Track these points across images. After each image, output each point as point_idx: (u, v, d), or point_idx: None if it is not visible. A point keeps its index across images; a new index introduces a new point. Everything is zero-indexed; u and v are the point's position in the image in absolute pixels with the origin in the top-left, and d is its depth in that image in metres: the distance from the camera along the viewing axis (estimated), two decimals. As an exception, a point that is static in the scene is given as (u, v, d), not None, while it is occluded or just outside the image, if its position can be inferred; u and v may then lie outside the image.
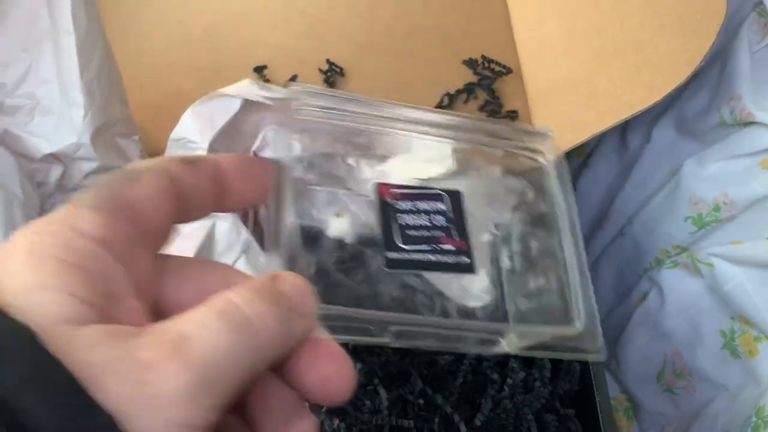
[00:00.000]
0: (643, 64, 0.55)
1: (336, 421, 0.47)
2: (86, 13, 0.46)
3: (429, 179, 0.46)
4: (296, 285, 0.20)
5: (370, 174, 0.48)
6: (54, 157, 0.49)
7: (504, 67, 0.66)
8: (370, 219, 0.49)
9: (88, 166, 0.50)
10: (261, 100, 0.49)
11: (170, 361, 0.16)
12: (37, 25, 0.46)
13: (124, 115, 0.52)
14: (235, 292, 0.18)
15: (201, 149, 0.47)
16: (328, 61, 0.65)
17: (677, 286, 0.64)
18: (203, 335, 0.17)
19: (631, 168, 0.71)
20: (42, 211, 0.50)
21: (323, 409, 0.48)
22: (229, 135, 0.49)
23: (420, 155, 0.49)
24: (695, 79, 0.60)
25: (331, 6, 0.69)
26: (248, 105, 0.49)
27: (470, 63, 0.66)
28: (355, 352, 0.50)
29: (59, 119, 0.48)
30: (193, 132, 0.47)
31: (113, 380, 0.16)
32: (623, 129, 0.72)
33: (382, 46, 0.68)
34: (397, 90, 0.64)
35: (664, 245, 0.66)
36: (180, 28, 0.68)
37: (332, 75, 0.64)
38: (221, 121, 0.48)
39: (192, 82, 0.63)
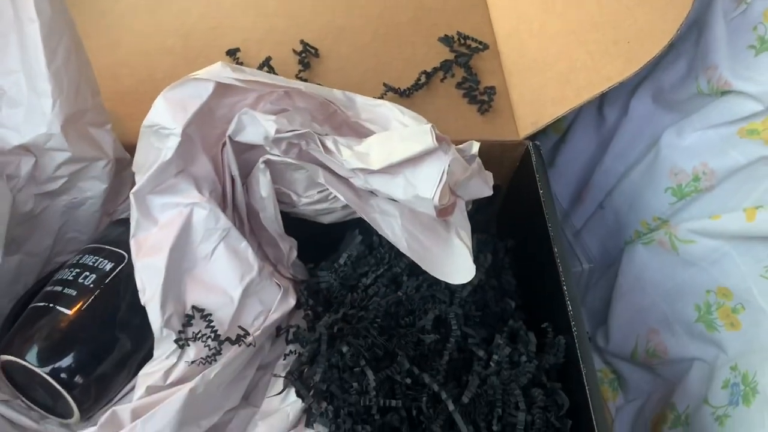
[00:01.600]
0: (620, 37, 0.54)
1: (324, 404, 0.47)
2: (50, 1, 0.44)
3: (409, 157, 0.45)
4: None
5: (348, 155, 0.48)
6: (24, 149, 0.48)
7: (480, 43, 0.65)
8: (349, 199, 0.49)
9: (60, 157, 0.49)
10: (233, 82, 0.48)
11: None
12: (1, 15, 0.45)
13: (96, 104, 0.51)
14: None
15: (174, 135, 0.46)
16: (302, 42, 0.64)
17: (652, 263, 0.65)
18: None
19: (609, 141, 0.71)
20: (14, 203, 0.49)
21: (311, 393, 0.48)
22: (204, 119, 0.48)
23: (397, 133, 0.49)
24: (672, 49, 0.60)
25: (303, -14, 0.68)
26: (222, 88, 0.48)
27: (446, 40, 0.65)
28: (341, 335, 0.50)
29: (28, 110, 0.47)
30: (166, 118, 0.46)
31: None
32: (600, 102, 0.72)
33: (357, 26, 0.67)
34: (373, 69, 0.63)
35: (644, 217, 0.67)
36: (151, 15, 0.66)
37: (307, 56, 0.63)
38: (194, 105, 0.47)
39: (165, 68, 0.62)
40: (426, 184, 0.46)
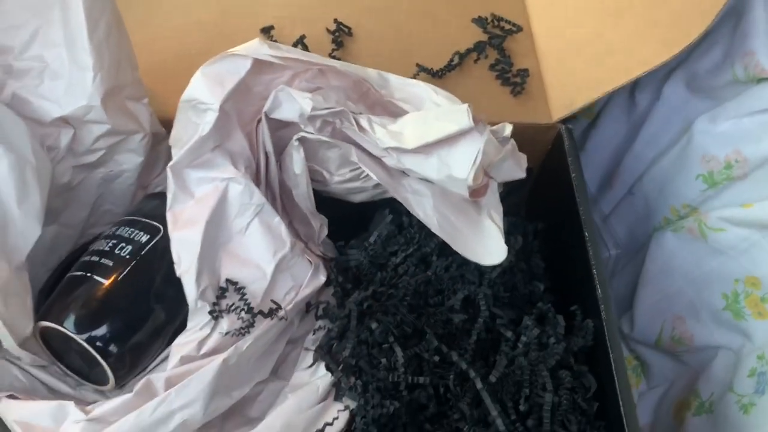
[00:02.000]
0: (657, 20, 0.54)
1: (352, 379, 0.48)
2: None
3: (444, 137, 0.45)
4: None
5: (382, 133, 0.48)
6: (64, 121, 0.49)
7: (514, 25, 0.65)
8: (381, 178, 0.49)
9: (98, 129, 0.50)
10: (270, 59, 0.48)
11: None
12: None
13: (134, 78, 0.52)
14: None
15: (212, 110, 0.47)
16: (335, 20, 0.64)
17: (680, 250, 0.65)
18: None
19: (640, 127, 0.70)
20: (53, 175, 0.50)
21: (340, 368, 0.48)
22: (240, 96, 0.49)
23: (432, 113, 0.49)
24: (708, 35, 0.59)
25: (337, -35, 0.68)
26: (259, 65, 0.48)
27: (480, 21, 0.65)
28: (370, 311, 0.50)
29: (69, 82, 0.47)
30: (204, 93, 0.47)
31: None
32: (632, 88, 0.71)
33: (390, 6, 0.67)
34: (405, 49, 0.64)
35: (674, 203, 0.66)
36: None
37: (340, 35, 0.63)
38: (232, 81, 0.47)
39: (200, 44, 0.62)
40: (460, 164, 0.46)
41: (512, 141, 0.50)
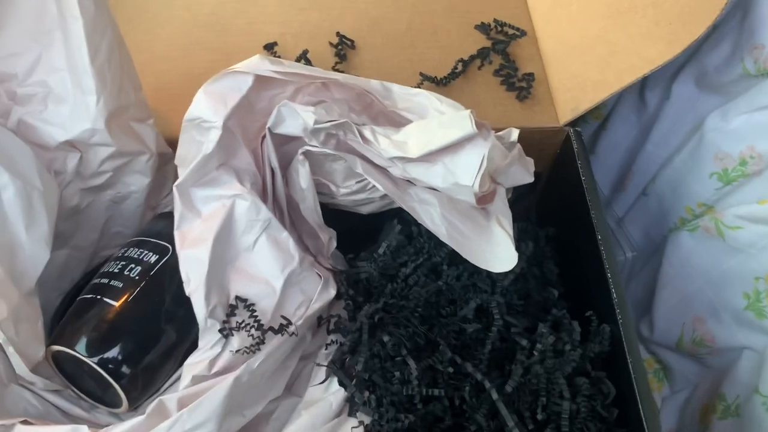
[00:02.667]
0: (662, 18, 0.53)
1: (366, 394, 0.47)
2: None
3: (448, 144, 0.45)
4: None
5: (387, 144, 0.48)
6: (70, 145, 0.49)
7: (518, 29, 0.64)
8: (387, 188, 0.49)
9: (104, 152, 0.50)
10: (272, 74, 0.48)
11: None
12: (45, 13, 0.46)
13: (138, 100, 0.52)
14: None
15: (215, 128, 0.47)
16: (338, 34, 0.64)
17: (698, 249, 0.63)
18: None
19: (651, 127, 0.69)
20: (61, 199, 0.50)
21: (353, 382, 0.48)
22: (244, 112, 0.49)
23: (435, 121, 0.48)
24: (715, 30, 0.59)
25: (338, -22, 0.68)
26: (261, 81, 0.48)
27: (483, 27, 0.65)
28: (382, 324, 0.50)
29: (73, 106, 0.48)
30: (207, 111, 0.47)
31: None
32: (641, 87, 0.70)
33: (392, 16, 0.67)
34: (408, 59, 0.63)
35: (688, 203, 0.65)
36: (186, 11, 0.67)
37: (343, 48, 0.63)
38: (234, 99, 0.47)
39: (204, 64, 0.62)
40: (466, 171, 0.45)
41: (518, 146, 0.50)
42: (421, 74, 0.61)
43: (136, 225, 0.57)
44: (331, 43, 0.64)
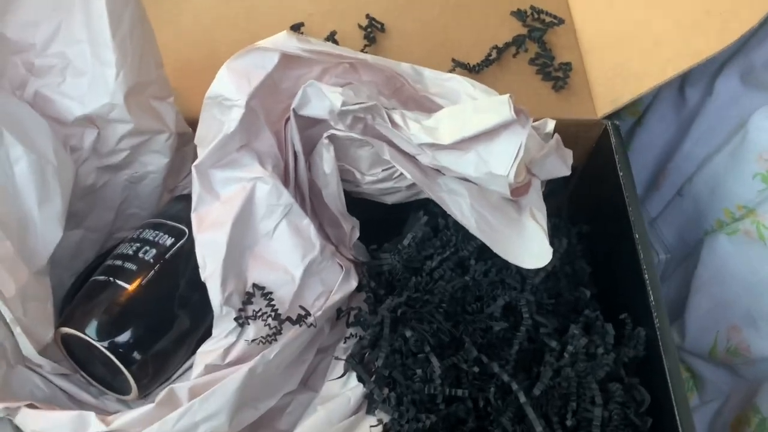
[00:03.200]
0: (710, 7, 0.50)
1: (386, 391, 0.45)
2: None
3: (483, 131, 0.42)
4: None
5: (417, 129, 0.45)
6: (87, 120, 0.47)
7: (555, 17, 0.62)
8: (416, 177, 0.47)
9: (122, 129, 0.48)
10: (299, 53, 0.46)
11: None
12: None
13: (159, 77, 0.50)
14: None
15: (237, 107, 0.44)
16: (368, 16, 0.62)
17: (736, 254, 0.60)
18: None
19: (690, 124, 0.66)
20: (77, 177, 0.48)
21: (372, 378, 0.46)
22: (268, 92, 0.46)
23: (469, 105, 0.46)
24: (764, 24, 0.56)
25: (370, -41, 0.65)
26: (287, 60, 0.46)
27: (519, 14, 0.62)
28: (405, 319, 0.47)
29: (91, 79, 0.46)
30: (230, 89, 0.45)
31: None
32: (681, 83, 0.67)
33: (425, 0, 0.64)
34: (440, 44, 0.61)
35: (727, 205, 0.62)
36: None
37: (372, 30, 0.61)
38: (258, 76, 0.45)
39: (228, 42, 0.60)
40: (500, 160, 0.43)
41: (557, 136, 0.47)
42: (453, 60, 0.58)
43: (153, 207, 0.55)
44: (360, 26, 0.62)
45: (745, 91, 0.61)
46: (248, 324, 0.44)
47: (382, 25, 0.62)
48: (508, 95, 0.43)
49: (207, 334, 0.45)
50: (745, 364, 0.62)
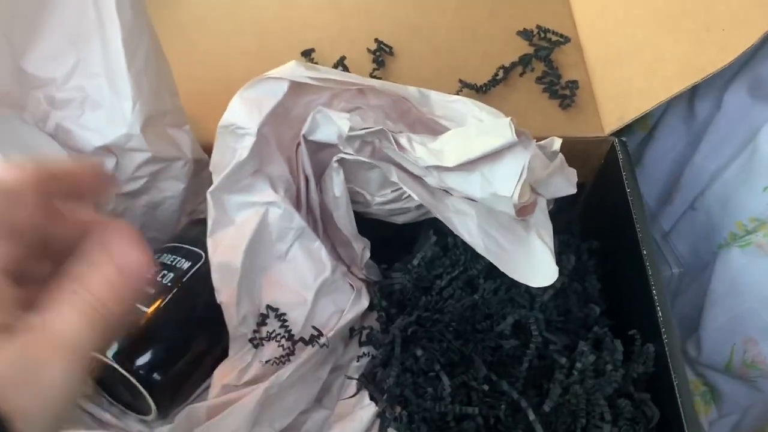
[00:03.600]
0: (714, 24, 0.51)
1: (398, 409, 0.46)
2: (131, 5, 0.45)
3: (487, 153, 0.43)
4: (138, 264, 0.26)
5: (423, 152, 0.46)
6: (106, 150, 0.49)
7: (561, 36, 0.63)
8: (423, 198, 0.47)
9: (140, 157, 0.50)
10: (308, 81, 0.47)
11: (58, 359, 0.23)
12: (84, 18, 0.46)
13: (174, 106, 0.52)
14: (93, 295, 0.24)
15: (249, 135, 0.46)
16: (376, 40, 0.63)
17: (749, 267, 0.60)
18: (76, 336, 0.23)
19: (700, 138, 0.66)
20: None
21: (384, 397, 0.47)
22: (279, 119, 0.48)
23: (473, 128, 0.47)
24: (770, 38, 0.56)
25: (377, -16, 0.67)
26: (296, 87, 0.48)
27: (525, 34, 0.63)
28: (415, 338, 0.48)
29: (109, 111, 0.48)
30: (242, 117, 0.46)
31: (13, 386, 0.21)
32: (690, 96, 0.67)
33: (432, 23, 0.65)
34: (447, 66, 0.62)
35: (740, 218, 0.62)
36: (230, 16, 0.67)
37: (381, 54, 0.62)
38: (269, 105, 0.47)
39: (241, 70, 0.62)
40: (504, 181, 0.44)
41: (560, 155, 0.48)
42: (460, 81, 0.60)
43: (172, 231, 0.57)
44: (369, 49, 0.63)
45: (754, 104, 0.61)
46: (263, 345, 0.46)
47: (391, 48, 0.63)
48: (509, 118, 0.44)
49: (224, 354, 0.47)
50: (763, 377, 0.62)
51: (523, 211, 0.46)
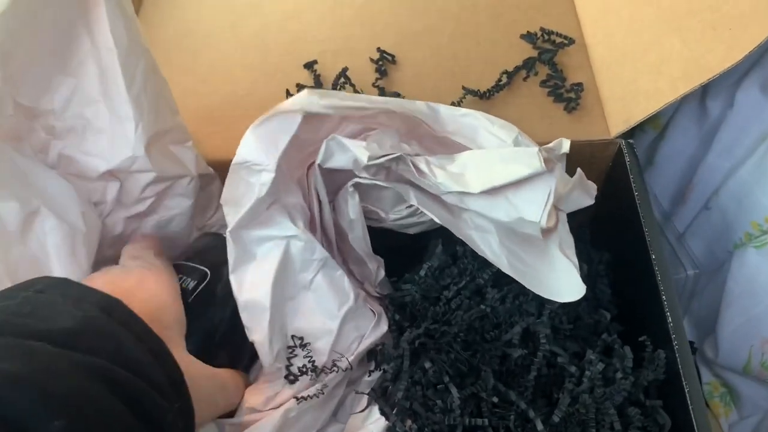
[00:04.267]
0: (719, 22, 0.50)
1: (408, 423, 0.46)
2: (125, 28, 0.45)
3: (511, 182, 0.43)
4: None
5: (443, 176, 0.46)
6: (110, 174, 0.49)
7: (566, 38, 0.62)
8: (443, 218, 0.47)
9: (145, 178, 0.50)
10: (322, 111, 0.46)
11: None
12: (78, 46, 0.45)
13: (175, 123, 0.52)
14: None
15: (267, 171, 0.45)
16: (378, 49, 0.63)
17: (765, 267, 0.59)
18: None
19: (713, 136, 0.65)
20: (104, 227, 0.50)
21: (394, 411, 0.46)
22: (293, 148, 0.47)
23: (495, 154, 0.46)
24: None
25: (377, -7, 0.67)
26: (308, 116, 0.47)
27: (529, 37, 0.63)
28: (424, 350, 0.48)
29: (111, 136, 0.47)
30: (258, 155, 0.45)
31: None
32: (702, 95, 0.66)
33: (434, 29, 0.65)
34: (450, 73, 0.61)
35: (755, 218, 0.61)
36: (232, 31, 0.67)
37: (383, 63, 0.62)
38: (285, 140, 0.46)
39: (245, 85, 0.62)
40: (531, 206, 0.44)
41: (579, 170, 0.47)
42: (463, 87, 0.59)
43: (184, 246, 0.57)
44: (371, 59, 0.63)
45: (766, 102, 0.59)
46: (297, 380, 0.46)
47: (393, 56, 0.63)
48: (537, 148, 0.43)
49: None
50: (783, 379, 0.61)
51: (548, 231, 0.46)
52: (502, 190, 0.45)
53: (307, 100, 0.46)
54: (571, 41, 0.62)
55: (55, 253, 0.44)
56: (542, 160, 0.43)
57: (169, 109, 0.51)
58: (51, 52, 0.44)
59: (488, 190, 0.44)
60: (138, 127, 0.47)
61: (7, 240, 0.42)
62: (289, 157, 0.48)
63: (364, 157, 0.45)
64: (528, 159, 0.44)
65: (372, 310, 0.50)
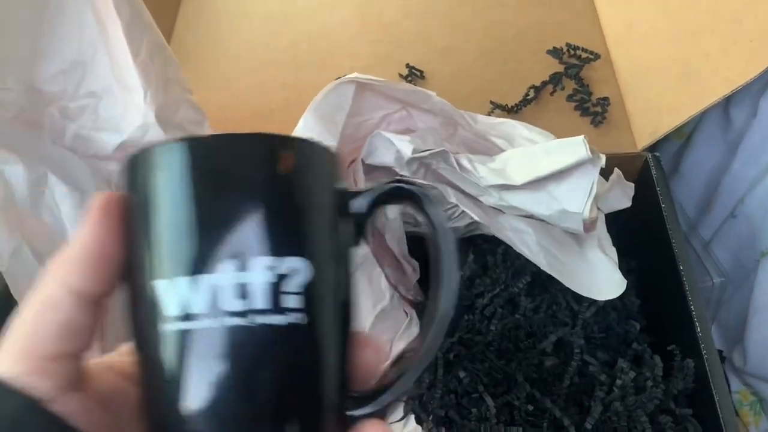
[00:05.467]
0: (741, 36, 0.51)
1: (443, 430, 0.47)
2: (128, 2, 0.47)
3: (557, 171, 0.44)
4: None
5: (485, 171, 0.47)
6: (125, 149, 0.50)
7: (591, 53, 0.63)
8: (482, 218, 0.48)
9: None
10: (372, 82, 0.48)
11: None
12: (85, 26, 0.47)
13: (188, 100, 0.53)
14: None
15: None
16: (407, 65, 0.64)
17: None
18: None
19: (737, 145, 0.66)
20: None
21: (430, 418, 0.48)
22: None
23: (538, 148, 0.47)
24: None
25: (407, 11, 0.68)
26: (354, 105, 0.48)
27: (555, 52, 0.64)
28: (458, 359, 0.49)
29: (122, 107, 0.49)
30: (319, 131, 0.47)
31: None
32: (726, 104, 0.67)
33: (462, 46, 0.67)
34: (479, 87, 0.63)
35: (783, 225, 0.61)
36: (264, 49, 0.69)
37: (413, 79, 0.64)
38: (342, 116, 0.47)
39: (277, 100, 0.64)
40: (573, 197, 0.44)
41: (617, 170, 0.48)
42: (491, 102, 0.61)
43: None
44: (401, 75, 0.64)
45: (790, 110, 0.60)
46: None
47: (422, 72, 0.65)
48: (582, 136, 0.44)
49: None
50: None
51: (589, 226, 0.47)
52: (545, 183, 0.45)
53: (354, 75, 0.48)
54: (597, 56, 0.63)
55: (70, 221, 0.46)
56: (588, 148, 0.44)
57: (179, 85, 0.52)
58: (61, 35, 0.46)
59: (531, 183, 0.45)
60: (147, 95, 0.48)
61: (21, 207, 0.44)
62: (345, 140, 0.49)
63: (408, 150, 0.46)
64: (574, 147, 0.44)
65: (405, 312, 0.52)
